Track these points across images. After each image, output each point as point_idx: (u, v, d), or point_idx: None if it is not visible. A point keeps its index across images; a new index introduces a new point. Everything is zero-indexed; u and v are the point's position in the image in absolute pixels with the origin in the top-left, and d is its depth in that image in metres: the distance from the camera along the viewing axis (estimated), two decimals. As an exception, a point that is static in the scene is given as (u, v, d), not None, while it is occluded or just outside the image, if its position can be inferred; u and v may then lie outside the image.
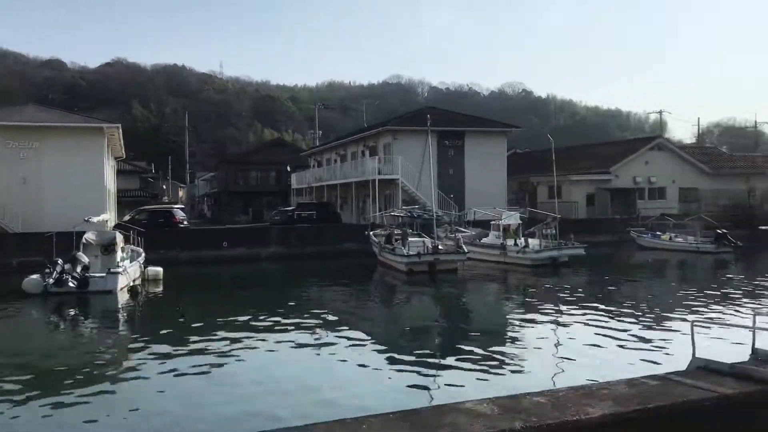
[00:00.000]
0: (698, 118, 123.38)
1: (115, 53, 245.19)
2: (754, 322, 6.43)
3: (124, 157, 52.16)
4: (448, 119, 47.11)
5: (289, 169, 63.25)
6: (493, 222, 32.06)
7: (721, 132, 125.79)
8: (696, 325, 6.80)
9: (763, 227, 41.44)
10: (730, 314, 17.17)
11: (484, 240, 31.83)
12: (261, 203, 63.93)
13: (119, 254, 23.13)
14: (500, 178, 46.47)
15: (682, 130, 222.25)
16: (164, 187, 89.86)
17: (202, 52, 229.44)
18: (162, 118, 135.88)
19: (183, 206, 43.41)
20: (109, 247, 22.78)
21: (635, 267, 32.75)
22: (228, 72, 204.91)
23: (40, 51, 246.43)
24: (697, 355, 6.09)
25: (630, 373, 8.34)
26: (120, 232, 24.87)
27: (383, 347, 14.17)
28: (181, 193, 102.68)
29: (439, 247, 27.67)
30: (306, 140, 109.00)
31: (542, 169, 53.44)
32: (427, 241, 28.47)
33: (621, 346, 13.58)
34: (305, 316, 18.11)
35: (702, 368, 5.80)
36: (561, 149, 60.61)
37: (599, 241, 41.46)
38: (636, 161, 48.79)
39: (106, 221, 25.03)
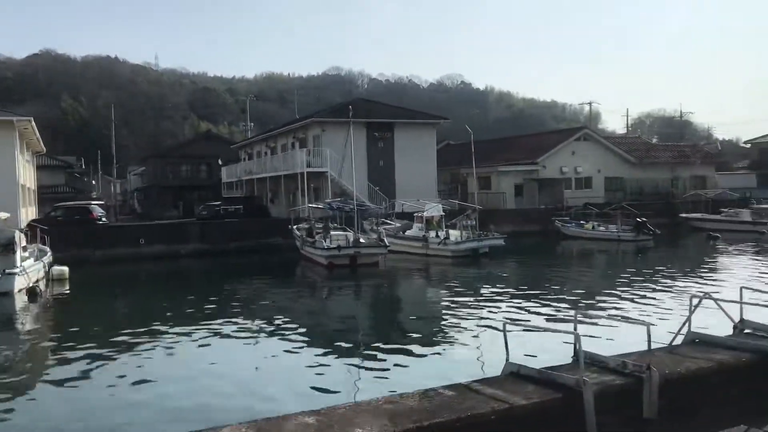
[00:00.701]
0: (627, 109, 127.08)
1: (44, 44, 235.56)
2: (576, 322, 6.32)
3: (44, 151, 50.11)
4: (378, 111, 46.87)
5: (220, 162, 61.99)
6: (416, 214, 31.96)
7: (651, 122, 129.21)
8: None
9: (684, 215, 42.68)
10: (612, 308, 17.37)
11: (408, 232, 31.71)
12: (192, 198, 62.36)
13: (19, 254, 22.03)
14: (430, 169, 46.49)
15: (615, 121, 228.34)
16: (93, 182, 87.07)
17: (136, 43, 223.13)
18: (93, 112, 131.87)
19: (103, 202, 41.95)
20: (7, 247, 21.66)
21: (555, 257, 33.15)
22: (164, 64, 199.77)
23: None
24: (510, 360, 5.83)
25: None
26: (20, 230, 23.74)
27: (290, 344, 13.80)
28: (115, 189, 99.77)
29: (361, 240, 27.39)
30: (243, 133, 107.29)
31: (467, 161, 53.84)
32: (350, 234, 28.16)
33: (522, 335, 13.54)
34: (213, 314, 17.65)
35: (514, 374, 5.54)
36: (492, 141, 61.38)
37: (526, 231, 41.98)
38: (563, 152, 49.51)
39: (5, 219, 23.81)
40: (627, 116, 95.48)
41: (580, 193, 49.46)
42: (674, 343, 6.08)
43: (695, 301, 6.42)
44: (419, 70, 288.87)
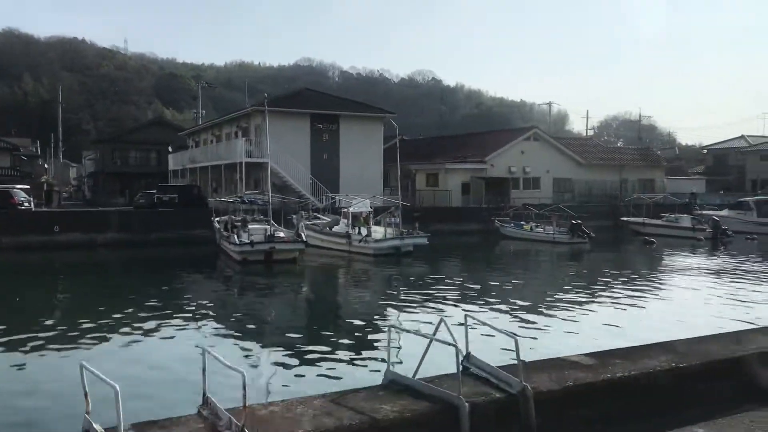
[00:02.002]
0: (587, 111, 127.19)
1: (7, 23, 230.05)
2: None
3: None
4: (323, 102, 45.86)
5: (171, 149, 60.54)
6: (343, 210, 31.05)
7: (618, 125, 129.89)
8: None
9: (624, 219, 42.36)
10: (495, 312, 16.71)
11: (335, 228, 30.84)
12: (140, 185, 60.87)
13: None
14: (376, 164, 45.65)
15: (583, 123, 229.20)
16: (46, 166, 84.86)
17: (105, 26, 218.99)
18: (55, 94, 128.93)
19: (28, 187, 40.35)
20: None
21: (481, 258, 32.29)
22: (133, 48, 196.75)
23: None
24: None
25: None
26: None
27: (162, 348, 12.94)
28: (70, 174, 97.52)
29: (281, 234, 26.44)
30: (195, 121, 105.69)
31: (423, 156, 53.18)
32: (270, 228, 27.18)
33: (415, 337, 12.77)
34: (90, 310, 16.59)
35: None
36: (446, 137, 60.87)
37: (466, 230, 41.45)
38: (512, 151, 48.97)
39: None
40: (587, 118, 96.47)
41: (528, 194, 49.03)
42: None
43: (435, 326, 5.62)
44: (391, 65, 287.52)
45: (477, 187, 47.90)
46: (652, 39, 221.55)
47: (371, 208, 30.47)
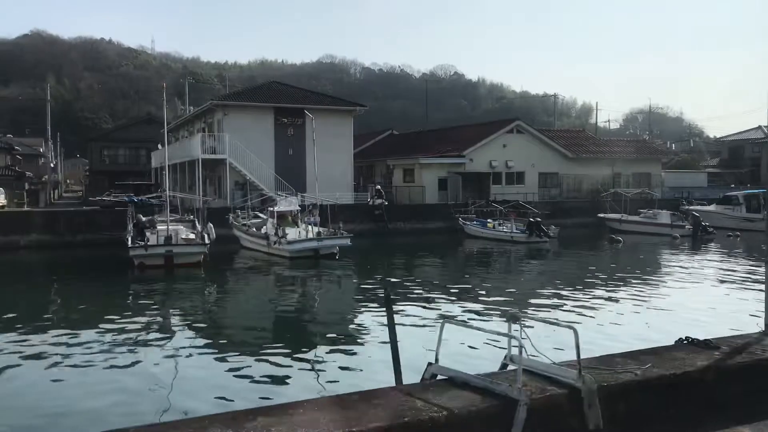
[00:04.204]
0: (596, 103, 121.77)
1: (37, 24, 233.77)
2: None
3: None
4: (289, 95, 44.01)
5: (160, 147, 59.64)
6: (269, 209, 29.00)
7: (644, 118, 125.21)
8: None
9: (601, 215, 39.52)
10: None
11: (264, 229, 28.87)
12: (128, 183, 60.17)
13: None
14: (345, 160, 43.63)
15: (609, 116, 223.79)
16: (52, 164, 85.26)
17: (133, 26, 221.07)
18: (76, 94, 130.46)
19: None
20: None
21: (422, 260, 29.61)
22: (159, 48, 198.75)
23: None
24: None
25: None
26: None
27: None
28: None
29: (187, 236, 24.67)
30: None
31: (404, 151, 50.98)
32: (181, 229, 25.45)
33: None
34: None
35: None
36: (430, 131, 58.35)
37: (431, 228, 39.10)
38: (493, 144, 46.31)
39: None
40: (596, 110, 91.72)
41: (512, 189, 46.33)
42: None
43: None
44: (412, 60, 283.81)
45: (455, 183, 45.46)
46: (682, 29, 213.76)
47: (299, 206, 28.37)
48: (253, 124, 41.06)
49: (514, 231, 32.83)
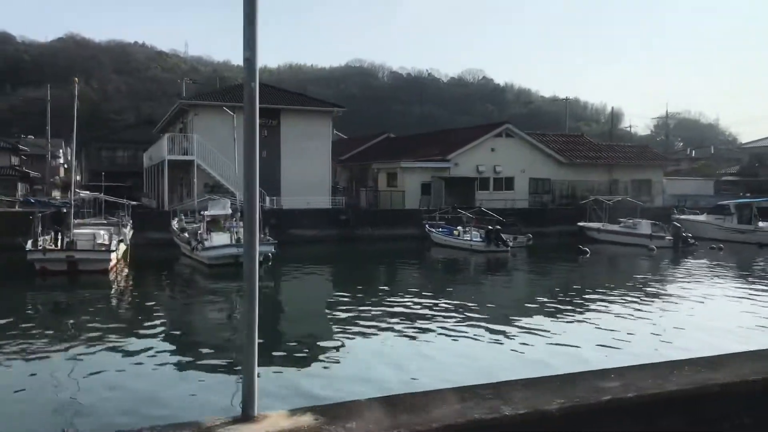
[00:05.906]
0: (612, 107, 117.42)
1: (72, 28, 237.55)
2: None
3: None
4: (263, 95, 42.53)
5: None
6: (203, 212, 27.48)
7: (675, 124, 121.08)
8: None
9: (581, 224, 37.12)
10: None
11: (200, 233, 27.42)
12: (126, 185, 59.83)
13: None
14: (323, 163, 42.08)
15: (640, 122, 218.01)
16: (65, 165, 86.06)
17: (166, 29, 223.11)
18: (104, 96, 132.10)
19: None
20: None
21: (356, 271, 27.73)
22: (193, 51, 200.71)
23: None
24: None
25: None
26: None
27: None
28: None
29: (100, 241, 23.34)
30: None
31: (391, 155, 49.30)
32: (101, 233, 24.20)
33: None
34: None
35: None
36: (420, 135, 56.39)
37: (400, 235, 37.16)
38: (480, 148, 44.19)
39: None
40: (612, 115, 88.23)
41: (500, 195, 44.19)
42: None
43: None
44: (440, 64, 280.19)
45: (438, 188, 43.51)
46: (715, 33, 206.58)
47: (231, 210, 26.81)
48: (223, 125, 39.87)
49: (474, 239, 30.78)
